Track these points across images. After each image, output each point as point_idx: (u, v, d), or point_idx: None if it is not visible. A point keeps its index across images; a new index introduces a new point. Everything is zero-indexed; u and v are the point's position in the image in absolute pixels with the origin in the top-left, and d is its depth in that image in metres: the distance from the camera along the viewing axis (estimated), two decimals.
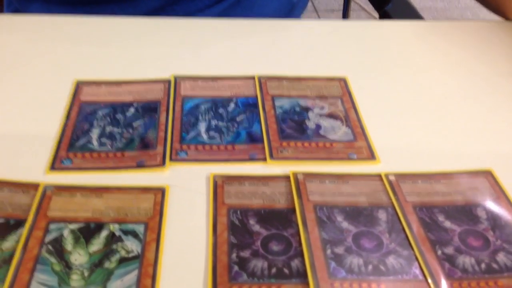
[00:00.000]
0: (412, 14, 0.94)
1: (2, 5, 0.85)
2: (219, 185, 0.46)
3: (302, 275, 0.39)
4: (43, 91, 0.57)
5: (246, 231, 0.42)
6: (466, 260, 0.41)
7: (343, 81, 0.59)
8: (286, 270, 0.40)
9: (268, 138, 0.51)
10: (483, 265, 0.40)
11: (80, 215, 0.43)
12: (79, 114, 0.54)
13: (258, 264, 0.40)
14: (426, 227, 0.43)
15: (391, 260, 0.40)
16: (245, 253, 0.41)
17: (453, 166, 0.48)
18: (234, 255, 0.41)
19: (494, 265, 0.40)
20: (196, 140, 0.51)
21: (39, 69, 0.58)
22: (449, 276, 0.39)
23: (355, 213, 0.44)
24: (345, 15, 1.25)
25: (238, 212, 0.44)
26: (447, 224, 0.43)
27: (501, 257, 0.41)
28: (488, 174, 0.47)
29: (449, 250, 0.41)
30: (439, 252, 0.41)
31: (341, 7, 1.27)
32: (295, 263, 0.40)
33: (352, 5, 1.25)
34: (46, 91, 0.57)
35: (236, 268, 0.40)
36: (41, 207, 0.43)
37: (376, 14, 1.00)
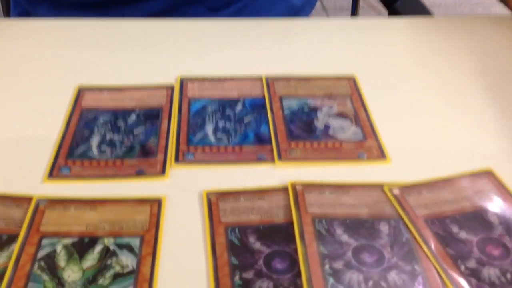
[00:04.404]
0: (422, 10, 0.90)
1: (9, 5, 0.83)
2: (213, 202, 0.41)
3: None
4: (45, 97, 0.53)
5: (247, 250, 0.38)
6: (491, 272, 0.36)
7: (352, 80, 0.55)
8: None
9: (276, 139, 0.48)
10: (508, 275, 0.36)
11: (74, 229, 0.39)
12: (79, 120, 0.50)
13: (263, 285, 0.36)
14: (444, 242, 0.38)
15: (393, 276, 0.36)
16: (248, 274, 0.36)
17: (453, 164, 0.44)
18: (237, 277, 0.36)
19: None
20: (203, 142, 0.48)
21: (42, 75, 0.54)
22: None
23: (355, 226, 0.39)
24: (354, 13, 1.21)
25: (236, 230, 0.39)
26: (463, 235, 0.39)
27: None
28: (489, 175, 0.43)
29: (471, 263, 0.37)
30: (462, 268, 0.37)
31: (350, 6, 1.23)
32: (301, 281, 0.35)
33: (361, 3, 1.21)
34: (48, 97, 0.53)
35: None
36: (33, 221, 0.39)
37: (385, 12, 0.97)
